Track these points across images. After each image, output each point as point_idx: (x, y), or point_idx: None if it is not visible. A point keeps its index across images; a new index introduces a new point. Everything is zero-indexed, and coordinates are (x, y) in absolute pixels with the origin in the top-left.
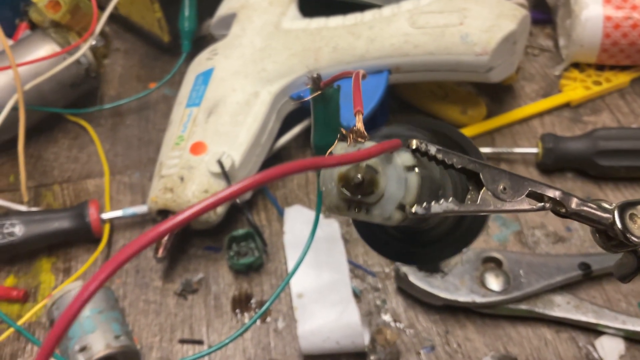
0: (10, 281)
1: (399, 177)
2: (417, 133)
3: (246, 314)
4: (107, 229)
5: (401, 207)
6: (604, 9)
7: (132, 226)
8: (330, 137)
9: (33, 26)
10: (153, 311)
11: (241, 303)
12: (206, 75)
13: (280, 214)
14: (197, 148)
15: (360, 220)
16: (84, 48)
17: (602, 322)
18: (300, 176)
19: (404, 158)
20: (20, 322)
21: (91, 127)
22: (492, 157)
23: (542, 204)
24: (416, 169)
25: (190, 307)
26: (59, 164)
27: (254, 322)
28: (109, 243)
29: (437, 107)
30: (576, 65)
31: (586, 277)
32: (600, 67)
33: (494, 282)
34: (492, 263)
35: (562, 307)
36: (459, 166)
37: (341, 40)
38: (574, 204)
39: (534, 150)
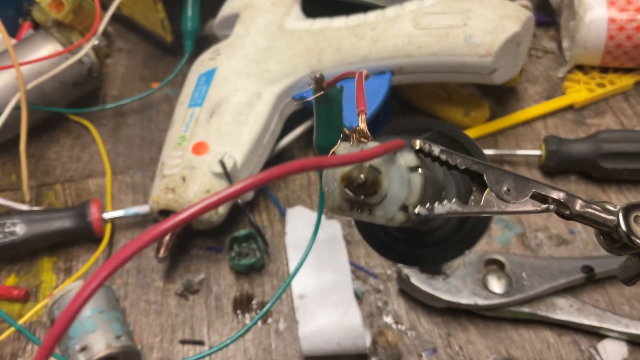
0: (11, 280)
1: (402, 178)
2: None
3: (247, 315)
4: (108, 228)
5: (404, 208)
6: (608, 11)
7: (133, 226)
8: (333, 137)
9: (36, 25)
10: (154, 311)
11: (242, 304)
12: (209, 75)
13: (282, 215)
14: (199, 148)
15: (362, 221)
16: (87, 48)
17: (605, 325)
18: (303, 177)
19: (407, 158)
20: (21, 322)
21: (93, 127)
22: (495, 159)
23: (546, 205)
24: (419, 170)
25: (192, 307)
26: (61, 164)
27: (255, 322)
28: (111, 243)
29: (440, 108)
30: (580, 68)
31: (589, 280)
32: (604, 70)
33: (496, 285)
34: (494, 265)
35: (564, 310)
36: (463, 167)
37: (344, 40)
38: (578, 205)
39: (537, 152)
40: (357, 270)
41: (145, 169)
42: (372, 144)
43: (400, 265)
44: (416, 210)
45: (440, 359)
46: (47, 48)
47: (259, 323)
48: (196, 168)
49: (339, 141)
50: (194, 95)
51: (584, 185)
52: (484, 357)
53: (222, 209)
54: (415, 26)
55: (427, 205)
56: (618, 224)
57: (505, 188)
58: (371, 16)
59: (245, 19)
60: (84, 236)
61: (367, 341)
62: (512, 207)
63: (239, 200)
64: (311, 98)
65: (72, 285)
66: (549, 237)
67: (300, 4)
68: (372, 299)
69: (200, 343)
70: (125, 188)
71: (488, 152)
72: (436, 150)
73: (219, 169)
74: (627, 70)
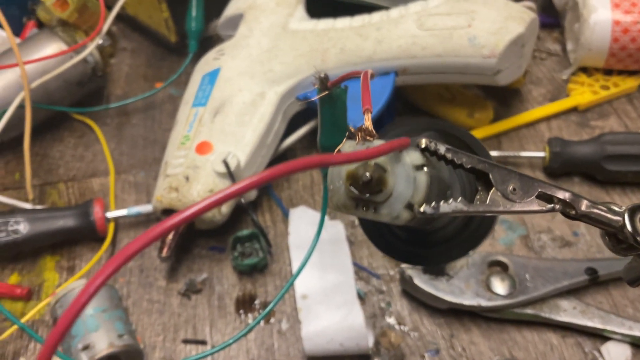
0: (14, 279)
1: (407, 176)
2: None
3: (250, 315)
4: (111, 227)
5: (409, 206)
6: (612, 14)
7: (136, 225)
8: (337, 137)
9: (40, 25)
10: (156, 311)
11: (245, 304)
12: (213, 75)
13: (285, 215)
14: (203, 148)
15: (367, 219)
16: (91, 47)
17: (608, 327)
18: (306, 177)
19: (413, 157)
20: (23, 320)
21: (97, 126)
22: (499, 161)
23: (552, 205)
24: (425, 168)
25: (194, 307)
26: (64, 162)
27: (258, 322)
28: (114, 242)
29: (444, 109)
30: (584, 70)
31: (593, 282)
32: (608, 72)
33: (499, 286)
34: (498, 267)
35: (568, 312)
36: (469, 166)
37: (348, 41)
38: (583, 206)
39: (541, 154)
40: (360, 271)
41: (148, 168)
42: (378, 143)
43: (403, 265)
44: (422, 209)
45: None
46: (52, 47)
47: (262, 323)
48: (200, 168)
49: (345, 139)
50: (197, 95)
51: (587, 188)
52: (487, 359)
53: (225, 209)
54: (420, 27)
55: (433, 204)
56: (624, 225)
57: (511, 187)
58: (375, 17)
59: (249, 19)
60: (87, 235)
61: (370, 342)
62: (517, 207)
63: (242, 200)
64: (315, 98)
65: (75, 284)
66: (552, 238)
67: (305, 4)
68: (374, 299)
69: (203, 342)
70: (129, 187)
71: (492, 153)
72: (442, 148)
73: (222, 168)
74: (631, 73)
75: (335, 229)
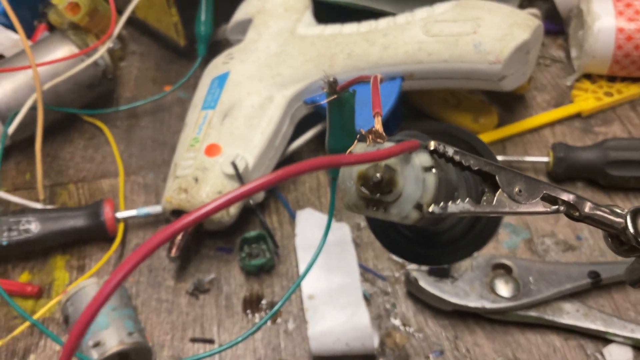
0: (24, 277)
1: (417, 177)
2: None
3: (257, 315)
4: (121, 228)
5: (418, 206)
6: (616, 21)
7: (145, 226)
8: (345, 141)
9: (51, 28)
10: (165, 310)
11: (252, 304)
12: (222, 79)
13: (292, 217)
14: (212, 150)
15: (377, 219)
16: (102, 50)
17: (610, 330)
18: (312, 180)
19: (422, 159)
20: (35, 317)
21: (107, 128)
22: (504, 165)
23: (557, 207)
24: (433, 170)
25: (202, 306)
26: (74, 164)
27: (266, 321)
28: (123, 242)
29: (449, 114)
30: (588, 77)
31: (595, 286)
32: (611, 79)
33: (503, 289)
34: (502, 270)
35: (571, 314)
36: (476, 168)
37: (356, 46)
38: (587, 207)
39: (545, 159)
40: (366, 273)
41: (157, 170)
42: (388, 145)
43: (409, 267)
44: (430, 209)
45: None
46: (63, 50)
47: (268, 323)
48: (209, 169)
49: (356, 141)
50: (207, 98)
51: (590, 193)
52: None
53: (234, 210)
54: (426, 33)
55: (441, 204)
56: (626, 227)
57: (517, 189)
58: (382, 23)
59: (258, 24)
60: (97, 235)
61: (375, 342)
62: (523, 208)
63: (251, 201)
64: (324, 101)
65: (86, 282)
66: (556, 242)
67: (312, 10)
68: (380, 301)
69: (211, 341)
70: (138, 189)
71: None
72: (450, 151)
73: (231, 170)
74: (634, 80)
75: (342, 231)
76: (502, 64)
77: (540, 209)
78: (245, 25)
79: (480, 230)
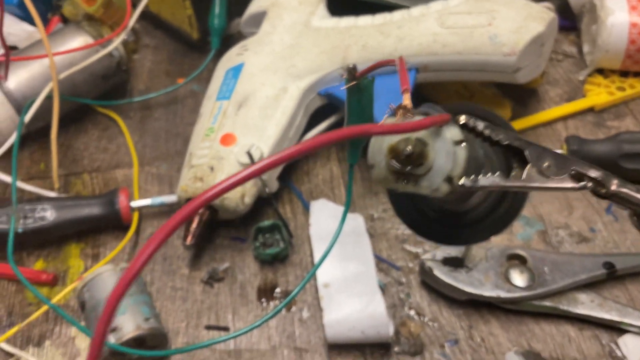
0: (39, 265)
1: (447, 151)
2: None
3: (271, 303)
4: (135, 216)
5: (449, 179)
6: (629, 16)
7: (159, 215)
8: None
9: (65, 20)
10: (180, 297)
11: (266, 292)
12: (236, 70)
13: (306, 207)
14: (227, 139)
15: (402, 199)
16: (117, 41)
17: (625, 320)
18: (326, 171)
19: (452, 132)
20: (53, 301)
21: (120, 119)
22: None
23: (584, 183)
24: (463, 144)
25: (216, 294)
26: (88, 154)
27: (281, 309)
28: (137, 231)
29: None
30: (600, 71)
31: (610, 277)
32: (624, 74)
33: (518, 279)
34: (516, 260)
35: (586, 304)
36: (506, 142)
37: (370, 38)
38: (614, 185)
39: (559, 152)
40: (380, 263)
41: (171, 160)
42: (418, 119)
43: (423, 257)
44: (461, 182)
45: (463, 350)
46: (78, 40)
47: (283, 311)
48: (224, 159)
49: (385, 116)
50: (221, 89)
51: None
52: (506, 349)
53: (248, 199)
54: (441, 25)
55: (472, 177)
56: None
57: (546, 164)
58: (397, 15)
59: (272, 16)
60: (111, 223)
61: (390, 331)
62: (552, 183)
63: (267, 190)
64: (344, 87)
65: (102, 269)
66: (570, 234)
67: (326, 3)
68: (394, 290)
69: (225, 329)
70: (152, 179)
71: None
72: (480, 125)
73: (246, 159)
74: None
75: (356, 221)
76: (517, 56)
77: (569, 184)
78: (259, 18)
79: (504, 210)
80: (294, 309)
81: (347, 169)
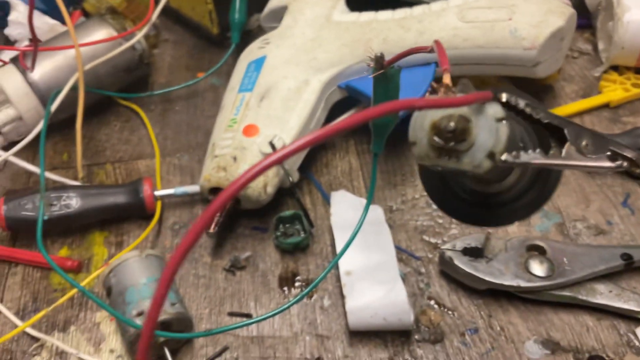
0: (63, 252)
1: (490, 127)
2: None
3: (293, 291)
4: (159, 206)
5: (491, 155)
6: None
7: (181, 205)
8: (389, 116)
9: (86, 15)
10: (202, 285)
11: (288, 281)
12: (258, 63)
13: (325, 198)
14: (250, 130)
15: (448, 168)
16: (140, 34)
17: None
18: (344, 164)
19: (495, 109)
20: (72, 292)
21: (142, 111)
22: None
23: (620, 162)
24: (505, 121)
25: (239, 282)
26: (110, 145)
27: (305, 295)
28: (160, 220)
29: None
30: (615, 68)
31: (628, 267)
32: (639, 71)
33: (538, 269)
34: (535, 251)
35: (604, 295)
36: (546, 121)
37: (391, 32)
38: None
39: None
40: (399, 253)
41: (192, 152)
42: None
43: (443, 247)
44: (503, 157)
45: (483, 339)
46: (102, 33)
47: (304, 299)
48: (247, 149)
49: (427, 94)
50: (244, 81)
51: (620, 180)
52: (525, 338)
53: (271, 189)
54: (461, 19)
55: (513, 152)
56: None
57: (584, 143)
58: (417, 10)
59: (293, 10)
60: (135, 212)
61: (412, 318)
62: (590, 162)
63: (290, 179)
64: (371, 76)
65: (129, 255)
66: (587, 227)
67: None
68: (413, 280)
69: (248, 316)
70: (173, 170)
71: None
72: (521, 103)
73: (268, 150)
74: None
75: (375, 212)
76: (537, 50)
77: (607, 163)
78: (279, 12)
79: (536, 193)
80: (315, 297)
81: (365, 161)
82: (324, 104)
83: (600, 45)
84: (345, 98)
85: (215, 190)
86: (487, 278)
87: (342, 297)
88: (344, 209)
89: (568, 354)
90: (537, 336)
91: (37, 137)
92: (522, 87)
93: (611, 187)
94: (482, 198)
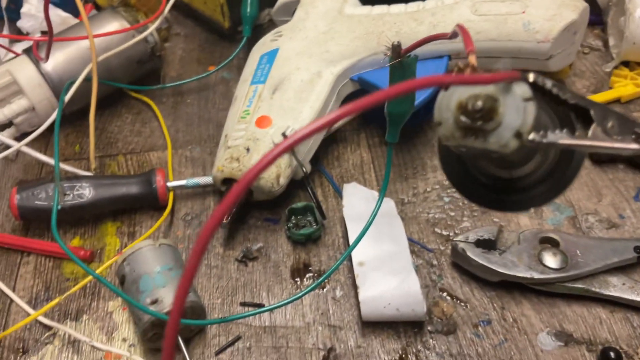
0: (75, 242)
1: (517, 107)
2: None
3: (305, 282)
4: (171, 196)
5: (518, 134)
6: None
7: (193, 197)
8: (405, 105)
9: (97, 8)
10: (215, 275)
11: (299, 271)
12: (271, 55)
13: (337, 190)
14: (263, 121)
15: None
16: (152, 27)
17: None
18: (356, 157)
19: (522, 89)
20: (86, 281)
21: (154, 104)
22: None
23: None
24: (532, 101)
25: (251, 273)
26: (122, 137)
27: (317, 285)
28: (172, 211)
29: None
30: (626, 64)
31: None
32: None
33: (551, 261)
34: (548, 244)
35: (617, 287)
36: (573, 102)
37: (404, 25)
38: None
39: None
40: (411, 245)
41: (203, 144)
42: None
43: (456, 239)
44: (530, 137)
45: (496, 330)
46: (115, 24)
47: (317, 290)
48: (260, 140)
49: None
50: (256, 73)
51: (632, 174)
52: (538, 330)
53: (283, 180)
54: (474, 12)
55: (541, 132)
56: None
57: (610, 124)
58: (430, 3)
59: (305, 3)
60: (148, 203)
61: (425, 309)
62: (617, 143)
63: (303, 169)
64: (388, 64)
65: (142, 244)
66: (599, 220)
67: None
68: (425, 272)
69: (260, 306)
70: (185, 161)
71: None
72: (549, 83)
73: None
74: None
75: (387, 205)
76: (550, 43)
77: (633, 145)
78: (291, 6)
79: (559, 176)
80: (327, 287)
81: (376, 155)
82: (337, 97)
83: (611, 41)
84: (357, 91)
85: (228, 181)
86: (500, 270)
87: (355, 288)
88: (356, 200)
89: (581, 346)
90: (550, 328)
91: (49, 128)
92: None
93: (623, 181)
94: (501, 183)
